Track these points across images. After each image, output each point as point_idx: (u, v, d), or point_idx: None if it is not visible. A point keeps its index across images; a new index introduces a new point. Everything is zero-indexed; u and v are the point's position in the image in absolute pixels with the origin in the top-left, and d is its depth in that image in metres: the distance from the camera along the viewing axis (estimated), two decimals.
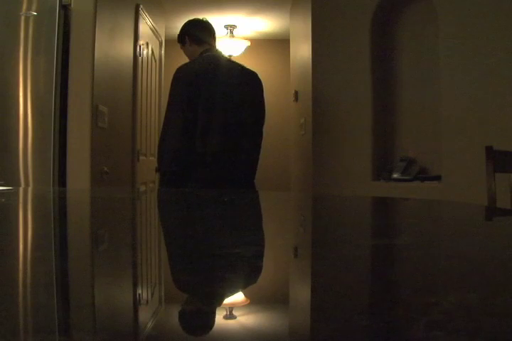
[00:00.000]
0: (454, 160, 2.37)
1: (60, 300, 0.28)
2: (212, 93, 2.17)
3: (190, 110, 2.12)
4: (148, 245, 0.53)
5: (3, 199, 1.06)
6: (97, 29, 2.38)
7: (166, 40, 4.31)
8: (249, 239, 0.52)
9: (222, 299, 0.29)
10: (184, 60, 2.45)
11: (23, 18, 2.24)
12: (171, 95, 2.20)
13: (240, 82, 2.29)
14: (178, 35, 2.41)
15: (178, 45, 2.45)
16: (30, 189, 1.80)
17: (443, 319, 0.24)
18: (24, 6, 2.24)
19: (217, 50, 2.38)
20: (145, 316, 0.26)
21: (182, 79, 2.18)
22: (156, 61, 3.92)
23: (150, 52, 3.69)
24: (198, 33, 2.37)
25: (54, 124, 2.23)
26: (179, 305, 0.29)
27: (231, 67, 2.32)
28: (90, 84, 2.34)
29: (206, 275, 0.34)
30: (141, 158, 3.38)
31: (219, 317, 0.25)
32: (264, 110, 2.37)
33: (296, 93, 3.88)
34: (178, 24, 4.94)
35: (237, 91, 2.26)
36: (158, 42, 4.03)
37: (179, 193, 1.56)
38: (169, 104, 2.20)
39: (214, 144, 2.14)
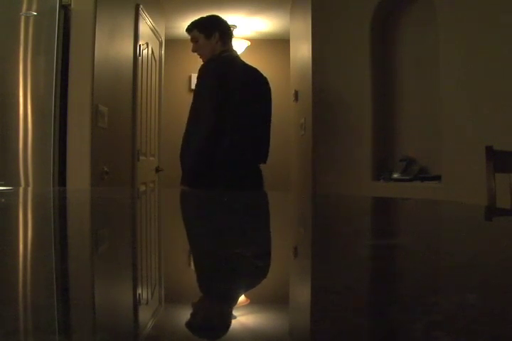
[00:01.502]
0: (454, 160, 2.37)
1: (60, 300, 0.28)
2: (244, 95, 2.18)
3: (222, 110, 2.10)
4: (148, 245, 0.53)
5: (3, 199, 1.06)
6: (97, 29, 2.38)
7: (166, 40, 4.31)
8: (249, 239, 0.52)
9: (223, 299, 0.29)
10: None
11: (23, 18, 2.24)
12: (203, 94, 2.13)
13: (262, 85, 2.35)
14: (204, 26, 2.31)
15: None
16: (30, 189, 1.80)
17: (443, 319, 0.24)
18: (24, 6, 2.24)
19: (236, 52, 2.39)
20: (145, 316, 0.26)
21: (216, 78, 2.12)
22: (156, 61, 3.92)
23: (150, 52, 3.69)
24: (229, 32, 2.36)
25: (54, 124, 2.23)
26: (179, 305, 0.29)
27: (254, 70, 2.37)
28: (90, 84, 2.34)
29: (206, 275, 0.34)
30: (141, 158, 3.38)
31: (219, 317, 0.25)
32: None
33: (296, 93, 3.88)
34: (178, 24, 4.94)
35: (261, 95, 2.32)
36: (158, 42, 4.03)
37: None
38: (199, 103, 2.14)
39: (241, 147, 2.16)
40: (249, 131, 2.20)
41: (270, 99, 2.41)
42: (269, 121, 2.38)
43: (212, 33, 2.30)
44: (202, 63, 2.29)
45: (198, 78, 2.18)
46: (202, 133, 2.08)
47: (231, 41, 2.38)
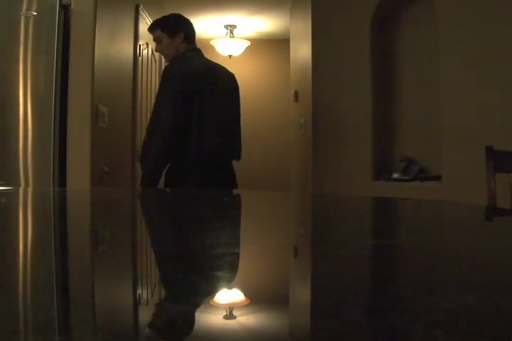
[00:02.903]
0: (454, 160, 2.37)
1: (60, 300, 0.28)
2: (208, 94, 2.16)
3: (184, 112, 2.08)
4: (147, 245, 0.53)
5: (3, 199, 1.06)
6: (97, 29, 2.38)
7: None
8: (248, 239, 0.52)
9: (222, 299, 0.29)
10: None
11: (23, 18, 2.24)
12: (163, 95, 2.11)
13: (228, 84, 2.32)
14: (168, 26, 2.26)
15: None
16: (30, 189, 1.80)
17: (443, 319, 0.24)
18: (24, 6, 2.24)
19: (201, 51, 2.35)
20: (144, 316, 0.26)
21: (179, 80, 2.09)
22: (156, 61, 3.92)
23: (150, 52, 3.69)
24: (193, 32, 2.32)
25: (54, 124, 2.23)
26: (179, 305, 0.29)
27: (219, 68, 2.33)
28: (90, 84, 2.34)
29: (206, 275, 0.34)
30: None
31: (219, 317, 0.25)
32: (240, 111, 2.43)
33: (296, 93, 3.88)
34: None
35: (227, 93, 2.29)
36: None
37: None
38: (161, 104, 2.11)
39: (209, 145, 2.14)
40: (216, 129, 2.18)
41: (238, 96, 2.38)
42: (238, 118, 2.36)
43: (177, 32, 2.24)
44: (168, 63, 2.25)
45: (161, 79, 2.14)
46: (162, 135, 2.05)
47: (195, 40, 2.34)
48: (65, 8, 2.30)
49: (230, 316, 0.25)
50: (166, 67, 2.19)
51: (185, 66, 2.18)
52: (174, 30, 2.25)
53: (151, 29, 2.33)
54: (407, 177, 2.71)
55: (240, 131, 2.37)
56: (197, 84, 2.13)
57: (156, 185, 2.13)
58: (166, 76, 2.13)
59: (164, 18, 2.36)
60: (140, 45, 3.31)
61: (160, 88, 2.16)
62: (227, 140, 2.25)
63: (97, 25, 2.38)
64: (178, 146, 2.08)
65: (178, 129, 2.06)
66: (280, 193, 2.90)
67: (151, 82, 3.72)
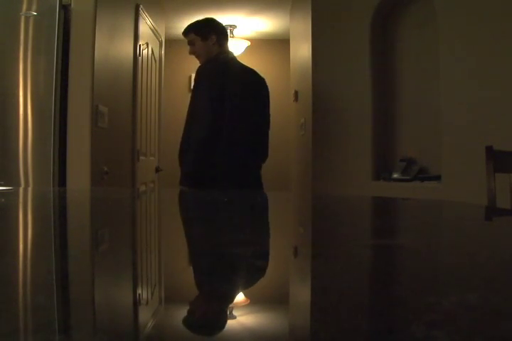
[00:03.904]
0: (454, 160, 2.37)
1: (60, 300, 0.28)
2: (240, 96, 2.20)
3: (220, 111, 2.12)
4: (148, 245, 0.53)
5: (3, 199, 1.06)
6: (97, 29, 2.38)
7: (166, 40, 4.31)
8: (249, 239, 0.52)
9: (223, 299, 0.29)
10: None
11: (23, 18, 2.24)
12: (201, 95, 2.16)
13: (259, 87, 2.37)
14: (200, 29, 2.35)
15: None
16: (30, 189, 1.80)
17: (443, 319, 0.24)
18: (24, 6, 2.24)
19: (232, 53, 2.41)
20: (145, 316, 0.26)
21: (214, 80, 2.16)
22: (156, 61, 3.92)
23: (150, 52, 3.69)
24: (225, 35, 2.40)
25: (54, 124, 2.23)
26: (179, 304, 0.29)
27: (251, 71, 2.38)
28: (90, 84, 2.34)
29: (206, 275, 0.34)
30: (141, 158, 3.38)
31: (219, 317, 0.25)
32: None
33: (296, 93, 3.88)
34: (178, 24, 4.94)
35: (259, 97, 2.34)
36: (158, 42, 4.03)
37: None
38: (197, 103, 2.17)
39: (242, 146, 2.18)
40: (247, 131, 2.21)
41: (268, 100, 2.42)
42: (268, 122, 2.39)
43: (209, 35, 2.33)
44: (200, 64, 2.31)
45: (195, 79, 2.21)
46: (201, 134, 2.10)
47: (227, 43, 2.41)
48: (65, 8, 2.30)
49: (230, 316, 0.25)
50: (200, 67, 2.25)
51: (221, 66, 2.25)
52: (206, 33, 2.35)
53: (184, 33, 2.42)
54: (407, 177, 2.71)
55: (267, 136, 2.38)
56: (231, 84, 2.17)
57: (197, 184, 2.12)
58: (201, 73, 2.20)
59: (197, 22, 2.44)
60: (140, 45, 3.31)
61: (196, 84, 2.21)
62: (254, 143, 2.29)
63: (97, 25, 2.38)
64: (214, 146, 2.11)
65: (215, 128, 2.10)
66: (282, 193, 2.90)
67: (151, 82, 3.72)
